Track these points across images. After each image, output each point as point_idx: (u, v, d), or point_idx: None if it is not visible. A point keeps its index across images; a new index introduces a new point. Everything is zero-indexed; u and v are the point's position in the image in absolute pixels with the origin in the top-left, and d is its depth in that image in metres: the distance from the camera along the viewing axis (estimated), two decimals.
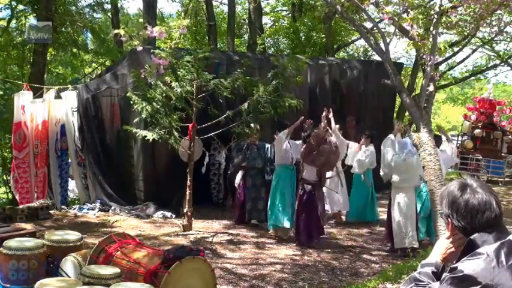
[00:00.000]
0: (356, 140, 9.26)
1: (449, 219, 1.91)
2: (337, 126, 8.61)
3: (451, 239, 1.97)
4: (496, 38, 14.71)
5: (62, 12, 12.20)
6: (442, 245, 2.01)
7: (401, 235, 6.89)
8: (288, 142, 7.71)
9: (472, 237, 1.79)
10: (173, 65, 7.33)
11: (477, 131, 15.33)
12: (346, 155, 8.95)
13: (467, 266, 1.65)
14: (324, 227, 8.61)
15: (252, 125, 7.83)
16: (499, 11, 7.57)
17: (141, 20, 16.65)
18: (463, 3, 6.95)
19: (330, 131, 7.64)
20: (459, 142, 15.87)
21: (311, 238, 7.27)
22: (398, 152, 6.87)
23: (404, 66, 16.65)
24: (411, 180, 6.95)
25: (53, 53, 13.67)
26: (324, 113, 7.58)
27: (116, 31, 6.27)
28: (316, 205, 7.21)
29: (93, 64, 18.09)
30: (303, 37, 15.61)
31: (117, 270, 3.75)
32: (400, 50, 36.91)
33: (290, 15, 17.68)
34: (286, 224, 7.54)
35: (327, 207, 8.99)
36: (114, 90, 9.30)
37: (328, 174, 8.81)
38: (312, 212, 7.19)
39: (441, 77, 17.22)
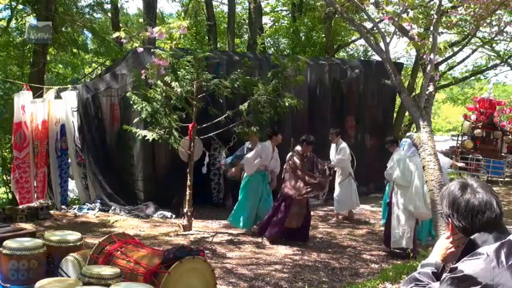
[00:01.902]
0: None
1: (449, 219, 1.91)
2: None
3: (451, 239, 1.97)
4: (496, 38, 14.71)
5: (62, 12, 12.17)
6: (442, 245, 2.01)
7: (399, 234, 6.87)
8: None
9: (472, 237, 1.79)
10: (173, 65, 7.33)
11: (477, 131, 15.33)
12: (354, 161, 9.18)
13: (467, 266, 1.65)
14: (323, 227, 8.59)
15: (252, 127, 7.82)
16: (499, 11, 7.56)
17: (141, 20, 16.64)
18: (463, 3, 6.95)
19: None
20: (459, 142, 15.89)
21: (267, 232, 7.40)
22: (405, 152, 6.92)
23: (404, 66, 16.64)
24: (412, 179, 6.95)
25: (53, 53, 13.66)
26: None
27: (116, 34, 6.21)
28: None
29: (93, 64, 18.08)
30: (303, 37, 15.58)
31: (117, 270, 3.75)
32: (400, 50, 36.94)
33: (290, 15, 17.66)
34: (243, 225, 7.80)
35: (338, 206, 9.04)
36: (114, 90, 9.31)
37: (341, 176, 9.01)
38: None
39: (441, 77, 17.21)
